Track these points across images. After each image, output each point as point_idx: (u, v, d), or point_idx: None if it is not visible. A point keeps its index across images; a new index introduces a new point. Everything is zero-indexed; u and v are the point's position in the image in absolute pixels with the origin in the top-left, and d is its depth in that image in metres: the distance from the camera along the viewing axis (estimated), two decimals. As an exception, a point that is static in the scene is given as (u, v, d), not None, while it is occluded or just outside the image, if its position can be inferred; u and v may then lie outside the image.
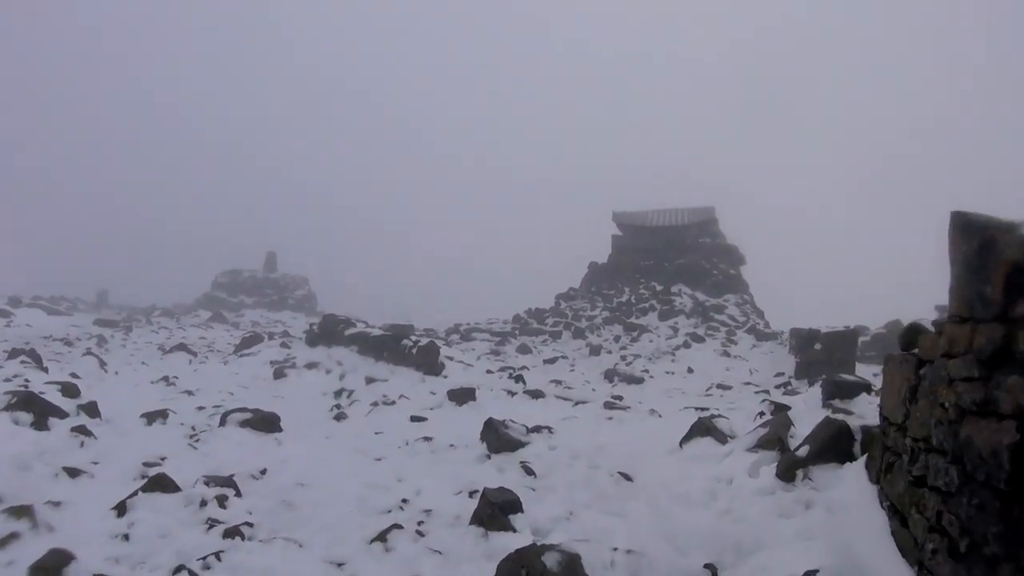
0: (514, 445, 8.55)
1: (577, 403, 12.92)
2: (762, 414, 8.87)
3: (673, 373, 20.44)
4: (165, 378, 14.88)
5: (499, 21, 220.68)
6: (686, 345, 24.48)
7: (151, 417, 10.69)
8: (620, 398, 13.86)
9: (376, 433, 10.16)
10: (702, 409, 11.97)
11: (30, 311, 28.09)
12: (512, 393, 13.60)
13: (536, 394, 13.44)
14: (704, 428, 8.14)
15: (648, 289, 32.70)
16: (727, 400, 14.70)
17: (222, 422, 9.93)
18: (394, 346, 15.67)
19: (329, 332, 18.35)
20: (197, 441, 9.32)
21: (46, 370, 13.71)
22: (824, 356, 17.93)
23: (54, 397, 9.55)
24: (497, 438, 8.70)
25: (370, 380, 14.53)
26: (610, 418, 11.38)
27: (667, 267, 33.73)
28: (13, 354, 14.53)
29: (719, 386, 17.47)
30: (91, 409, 10.16)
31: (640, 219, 36.74)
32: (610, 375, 19.28)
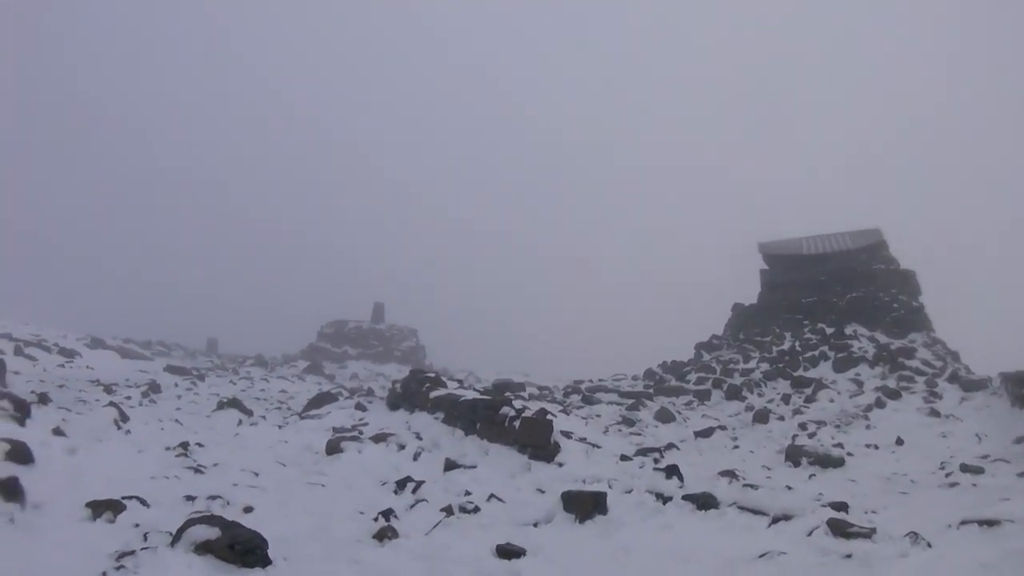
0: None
1: (775, 520, 8.15)
2: None
3: (877, 447, 14.98)
4: (185, 444, 11.39)
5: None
6: (879, 404, 18.89)
7: (98, 509, 7.27)
8: (844, 507, 8.88)
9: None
10: (987, 523, 7.06)
11: (102, 353, 26.25)
12: (663, 498, 9.05)
13: (703, 501, 8.82)
14: None
15: (815, 333, 27.04)
16: (987, 491, 9.60)
17: (174, 540, 6.02)
18: (490, 415, 11.48)
19: (412, 393, 14.47)
20: (119, 570, 5.51)
21: (21, 421, 10.58)
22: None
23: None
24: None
25: (451, 465, 10.39)
26: (848, 556, 6.59)
27: (836, 303, 27.98)
28: (-1, 398, 11.45)
29: (963, 468, 11.85)
30: (9, 489, 6.75)
31: (793, 247, 31.29)
32: (794, 455, 14.06)
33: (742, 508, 9.04)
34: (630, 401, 20.47)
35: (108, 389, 17.41)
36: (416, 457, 11.14)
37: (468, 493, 9.10)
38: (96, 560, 5.79)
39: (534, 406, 13.93)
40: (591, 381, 28.34)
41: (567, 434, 11.48)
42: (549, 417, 11.25)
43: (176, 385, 21.09)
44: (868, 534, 7.06)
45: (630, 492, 9.39)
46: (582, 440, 11.84)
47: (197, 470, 9.98)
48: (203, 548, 5.80)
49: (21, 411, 11.46)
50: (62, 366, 21.99)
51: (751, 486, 10.23)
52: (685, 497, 9.14)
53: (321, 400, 17.19)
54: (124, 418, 13.45)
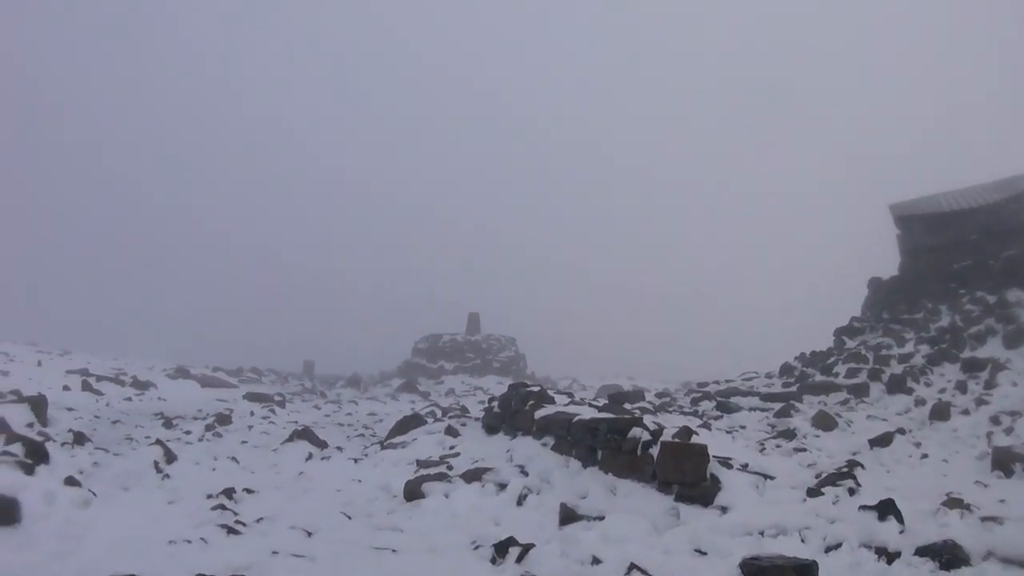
0: None
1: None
2: None
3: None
4: (230, 491, 9.27)
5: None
6: (1077, 386, 15.00)
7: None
8: None
9: None
10: None
11: (182, 384, 24.93)
12: (887, 554, 6.18)
13: (948, 557, 5.91)
14: None
15: (976, 303, 22.51)
16: None
17: None
18: (616, 440, 8.69)
19: (513, 412, 11.88)
20: None
21: (31, 468, 8.73)
22: None
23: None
24: None
25: (569, 516, 7.70)
26: None
27: (992, 266, 23.52)
28: (9, 439, 9.63)
29: None
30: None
31: (931, 205, 26.65)
32: (1004, 461, 10.58)
33: (1006, 561, 6.09)
34: (776, 405, 17.14)
35: (168, 423, 15.63)
36: (520, 501, 8.49)
37: (597, 561, 6.38)
38: None
39: (667, 420, 11.04)
40: (717, 383, 25.01)
41: (724, 461, 8.56)
42: (697, 439, 8.37)
43: (252, 414, 19.25)
44: None
45: (838, 548, 6.49)
46: (744, 467, 8.88)
47: (232, 529, 7.71)
48: None
49: (34, 456, 9.66)
50: (129, 399, 20.58)
51: (993, 519, 7.11)
52: (919, 551, 6.19)
53: (407, 424, 14.80)
54: (170, 458, 11.47)
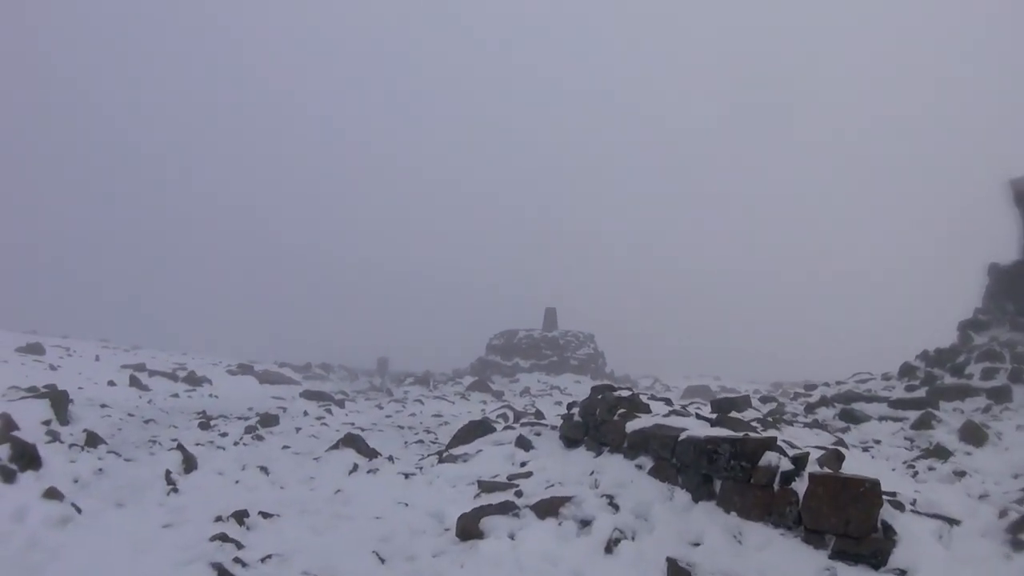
0: None
1: None
2: None
3: None
4: (242, 515, 7.48)
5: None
6: None
7: None
8: None
9: None
10: None
11: (240, 380, 23.73)
12: None
13: None
14: None
15: None
16: None
17: None
18: (743, 467, 6.44)
19: (598, 423, 9.77)
20: None
21: (11, 476, 7.32)
22: None
23: None
24: None
25: (678, 574, 5.51)
26: None
27: None
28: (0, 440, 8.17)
29: None
30: None
31: None
32: None
33: None
34: (910, 414, 14.46)
35: (206, 424, 14.05)
36: (610, 548, 6.36)
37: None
38: None
39: (792, 435, 8.68)
40: (827, 385, 22.25)
41: (894, 500, 6.23)
42: (860, 473, 6.07)
43: (305, 414, 17.62)
44: None
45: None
46: (912, 506, 6.54)
47: (225, 572, 5.87)
48: None
49: (21, 461, 8.25)
50: (176, 396, 19.31)
51: None
52: None
53: (472, 432, 12.82)
54: (189, 467, 9.82)
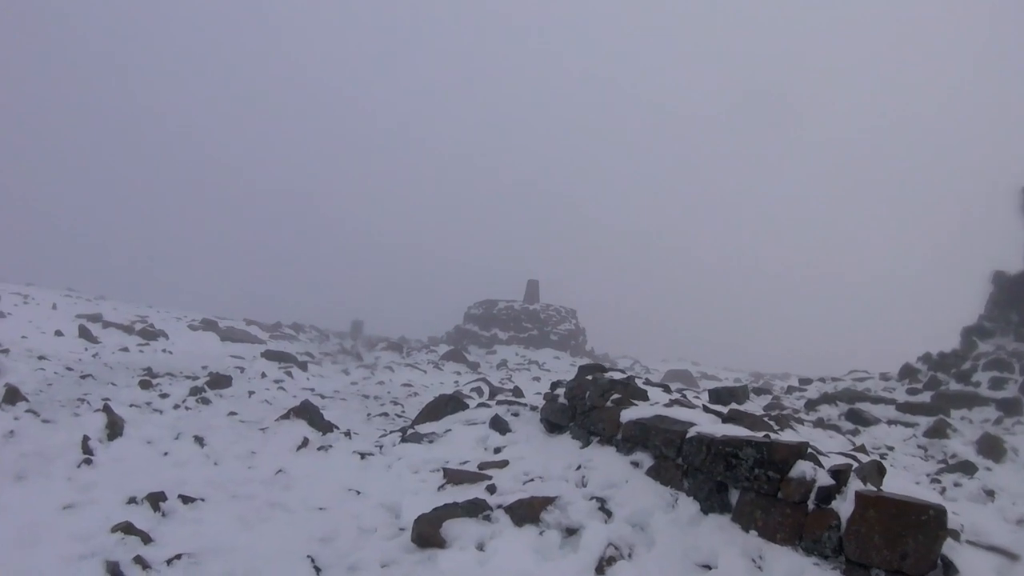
0: None
1: None
2: None
3: None
4: (158, 498, 6.29)
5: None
6: None
7: None
8: None
9: None
10: None
11: (200, 335, 22.37)
12: None
13: None
14: None
15: None
16: None
17: None
18: (770, 479, 5.27)
19: (587, 409, 8.61)
20: None
21: None
22: None
23: None
24: None
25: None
26: None
27: None
28: None
29: None
30: None
31: None
32: None
33: None
34: (921, 419, 13.45)
35: (147, 382, 12.70)
36: (602, 569, 5.20)
37: None
38: None
39: (804, 435, 7.56)
40: (822, 380, 21.30)
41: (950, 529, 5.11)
42: (920, 496, 4.92)
43: (263, 376, 16.33)
44: None
45: None
46: (970, 540, 5.43)
47: (119, 582, 4.65)
48: None
49: None
50: (126, 349, 17.89)
51: None
52: None
53: (442, 407, 11.63)
54: (113, 433, 8.55)
